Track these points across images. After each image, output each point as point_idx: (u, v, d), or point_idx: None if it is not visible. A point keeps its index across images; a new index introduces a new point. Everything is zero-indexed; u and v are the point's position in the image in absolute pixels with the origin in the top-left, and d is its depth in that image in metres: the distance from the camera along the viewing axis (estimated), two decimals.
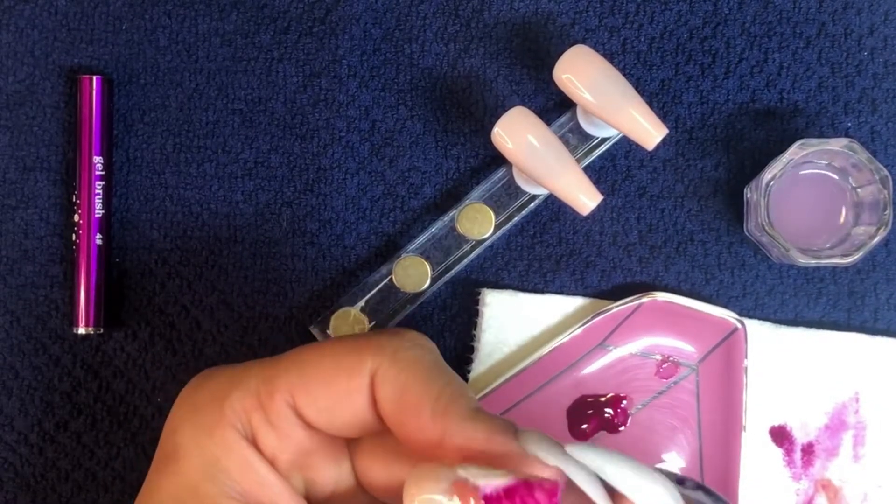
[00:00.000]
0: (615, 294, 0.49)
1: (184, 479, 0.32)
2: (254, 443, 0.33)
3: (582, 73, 0.43)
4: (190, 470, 0.32)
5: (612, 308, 0.47)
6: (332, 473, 0.35)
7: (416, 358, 0.32)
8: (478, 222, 0.47)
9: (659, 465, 0.32)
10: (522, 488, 0.27)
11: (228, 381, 0.34)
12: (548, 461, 0.29)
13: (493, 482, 0.28)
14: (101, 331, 0.48)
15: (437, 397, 0.31)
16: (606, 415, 0.48)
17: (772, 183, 0.45)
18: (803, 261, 0.45)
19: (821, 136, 0.49)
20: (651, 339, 0.48)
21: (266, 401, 0.33)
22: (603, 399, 0.48)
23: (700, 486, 0.31)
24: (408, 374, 0.32)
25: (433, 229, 0.48)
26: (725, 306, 0.48)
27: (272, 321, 0.49)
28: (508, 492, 0.27)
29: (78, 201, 0.48)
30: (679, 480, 0.31)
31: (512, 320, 0.48)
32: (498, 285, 0.49)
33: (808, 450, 0.48)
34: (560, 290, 0.49)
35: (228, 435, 0.32)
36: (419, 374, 0.32)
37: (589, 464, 0.28)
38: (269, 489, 0.33)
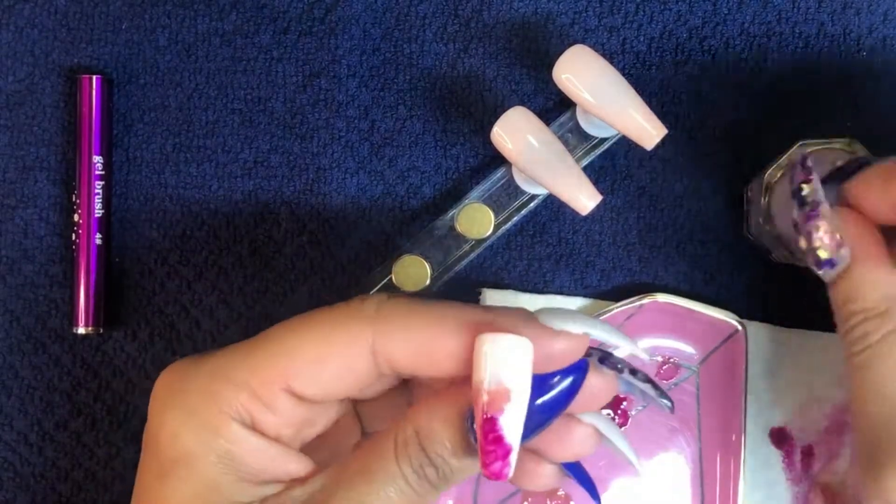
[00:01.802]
0: (615, 294, 0.49)
1: (201, 477, 0.33)
2: (255, 428, 0.34)
3: (581, 72, 0.43)
4: (207, 468, 0.33)
5: (612, 309, 0.47)
6: (326, 420, 0.36)
7: (397, 306, 0.33)
8: (477, 222, 0.47)
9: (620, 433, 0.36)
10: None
11: (212, 378, 0.34)
12: (574, 330, 0.32)
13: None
14: (101, 331, 0.48)
15: (445, 321, 0.32)
16: (606, 416, 0.48)
17: (772, 183, 0.45)
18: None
19: (821, 136, 0.48)
20: (651, 340, 0.48)
21: (260, 391, 0.34)
22: None
23: (649, 380, 0.35)
24: (405, 322, 0.33)
25: (433, 229, 0.48)
26: (726, 307, 0.48)
27: (272, 321, 0.48)
28: None
29: (78, 201, 0.48)
30: (632, 370, 0.35)
31: None
32: (498, 285, 0.49)
33: (809, 452, 0.48)
34: (560, 290, 0.49)
35: (233, 429, 0.34)
36: (415, 317, 0.33)
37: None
38: (279, 462, 0.34)
